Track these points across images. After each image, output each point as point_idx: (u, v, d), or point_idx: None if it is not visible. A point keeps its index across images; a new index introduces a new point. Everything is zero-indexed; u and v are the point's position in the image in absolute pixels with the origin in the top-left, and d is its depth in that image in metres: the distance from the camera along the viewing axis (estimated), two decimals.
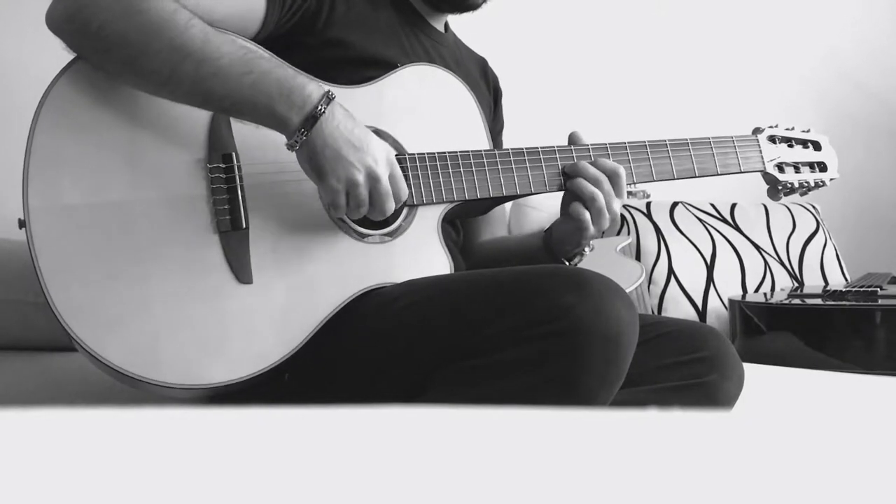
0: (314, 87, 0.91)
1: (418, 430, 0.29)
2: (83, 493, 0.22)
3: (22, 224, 0.89)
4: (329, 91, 0.92)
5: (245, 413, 0.29)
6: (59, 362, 1.30)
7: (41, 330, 1.30)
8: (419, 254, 1.03)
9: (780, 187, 1.23)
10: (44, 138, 0.91)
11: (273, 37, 1.01)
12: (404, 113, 1.06)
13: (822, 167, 1.26)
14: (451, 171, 1.04)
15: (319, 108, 0.90)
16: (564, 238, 1.12)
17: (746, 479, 0.25)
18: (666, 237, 2.03)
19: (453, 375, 0.87)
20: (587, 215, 1.04)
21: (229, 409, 0.29)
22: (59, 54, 0.93)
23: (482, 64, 1.33)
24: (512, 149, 1.09)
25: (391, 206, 0.95)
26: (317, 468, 0.24)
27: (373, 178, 0.92)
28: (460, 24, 1.28)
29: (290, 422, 0.29)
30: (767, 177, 1.23)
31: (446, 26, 1.26)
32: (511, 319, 0.84)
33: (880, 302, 1.71)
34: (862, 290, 1.81)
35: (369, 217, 0.96)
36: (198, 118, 0.96)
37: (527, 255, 1.21)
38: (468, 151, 1.05)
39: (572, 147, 1.10)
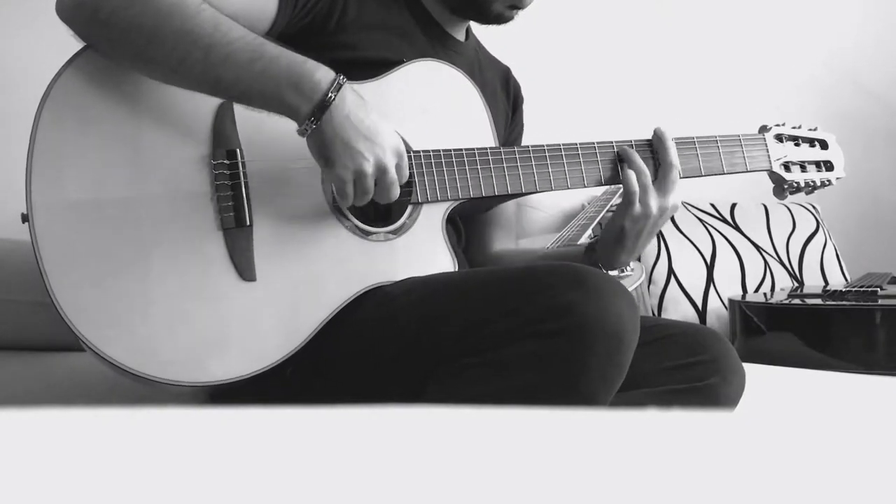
0: (323, 74, 0.90)
1: (418, 430, 0.29)
2: (83, 492, 0.22)
3: (25, 219, 0.89)
4: (339, 76, 0.91)
5: (246, 412, 0.29)
6: (59, 362, 1.30)
7: (41, 330, 1.30)
8: (423, 252, 1.02)
9: (785, 186, 1.20)
10: (47, 134, 0.90)
11: (282, 38, 1.00)
12: (409, 109, 1.05)
13: (829, 166, 1.23)
14: (455, 168, 1.03)
15: (329, 95, 0.89)
16: (610, 240, 1.10)
17: (746, 479, 0.25)
18: (666, 237, 2.03)
19: (455, 373, 0.87)
20: (634, 181, 1.05)
21: (230, 409, 0.29)
22: (62, 50, 0.92)
23: (504, 73, 1.31)
24: (518, 147, 1.08)
25: (395, 195, 0.95)
26: (317, 468, 0.24)
27: (380, 169, 0.92)
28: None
29: (291, 421, 0.29)
30: (773, 176, 1.20)
31: (468, 33, 1.24)
32: (513, 317, 0.84)
33: (880, 302, 1.71)
34: (862, 290, 1.81)
35: (375, 200, 0.96)
36: (202, 113, 0.95)
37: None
38: (473, 149, 1.05)
39: (578, 144, 1.08)
